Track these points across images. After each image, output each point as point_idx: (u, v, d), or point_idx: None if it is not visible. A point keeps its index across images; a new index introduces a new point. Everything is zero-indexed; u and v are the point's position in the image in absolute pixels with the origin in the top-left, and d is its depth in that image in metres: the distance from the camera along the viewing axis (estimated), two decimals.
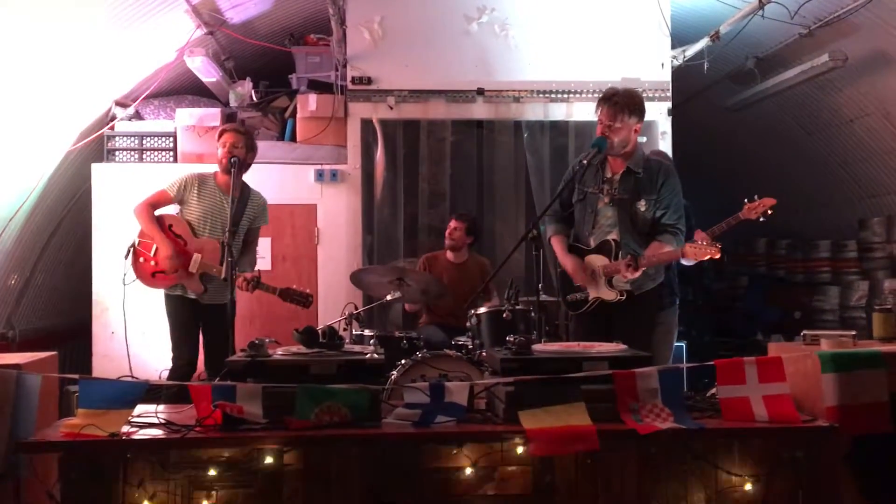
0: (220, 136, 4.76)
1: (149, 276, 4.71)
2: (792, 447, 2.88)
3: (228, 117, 6.44)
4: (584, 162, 4.00)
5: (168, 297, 4.75)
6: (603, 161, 4.12)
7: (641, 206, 4.01)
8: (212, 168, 4.90)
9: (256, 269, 4.76)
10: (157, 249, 4.66)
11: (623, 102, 4.01)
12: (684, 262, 4.75)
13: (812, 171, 7.91)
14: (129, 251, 4.72)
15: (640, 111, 4.06)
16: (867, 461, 2.93)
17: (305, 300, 4.64)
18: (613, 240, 4.03)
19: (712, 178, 9.46)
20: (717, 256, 3.81)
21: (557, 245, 4.23)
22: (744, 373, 2.93)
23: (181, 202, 4.76)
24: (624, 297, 4.00)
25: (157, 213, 4.75)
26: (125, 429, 2.82)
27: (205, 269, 4.60)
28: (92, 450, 2.75)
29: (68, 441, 2.75)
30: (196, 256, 4.62)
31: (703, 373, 3.27)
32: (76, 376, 2.96)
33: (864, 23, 5.76)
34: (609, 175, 4.11)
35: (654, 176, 4.04)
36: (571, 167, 4.34)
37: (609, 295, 4.03)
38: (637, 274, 3.89)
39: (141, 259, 4.71)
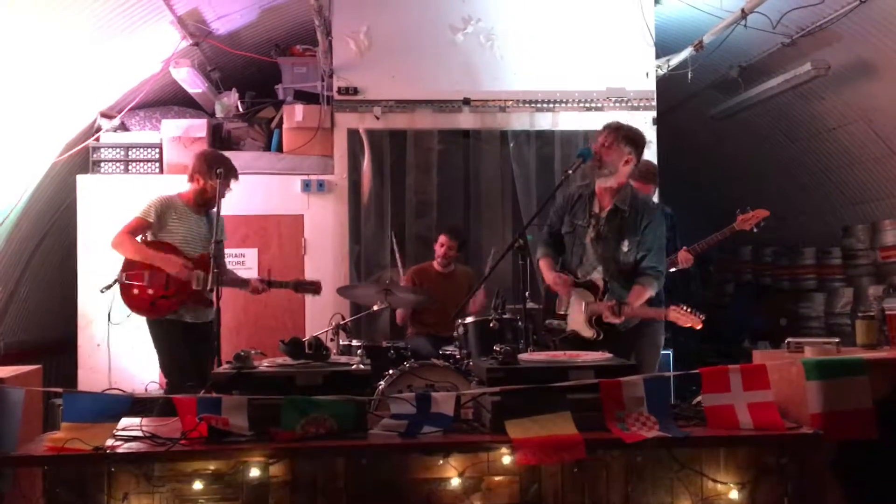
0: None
1: (147, 305, 4.52)
2: (777, 454, 2.89)
3: (214, 128, 6.43)
4: (570, 172, 4.01)
5: (160, 323, 4.56)
6: (591, 195, 4.14)
7: (624, 246, 4.03)
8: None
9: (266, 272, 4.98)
10: (152, 273, 4.47)
11: (624, 133, 4.06)
12: (680, 266, 4.81)
13: (796, 178, 7.97)
14: (114, 287, 4.51)
15: (636, 145, 4.08)
16: (852, 468, 2.95)
17: (316, 288, 4.82)
18: (603, 280, 4.03)
19: (697, 186, 9.52)
20: (699, 327, 3.82)
21: (544, 266, 4.27)
22: (728, 381, 2.95)
23: (161, 226, 4.61)
24: (601, 338, 3.96)
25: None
26: (109, 442, 2.81)
27: (207, 285, 4.45)
28: (76, 464, 2.74)
29: (52, 455, 2.73)
30: (198, 273, 4.51)
31: (690, 380, 3.28)
32: (60, 390, 2.94)
33: (846, 32, 5.82)
34: (597, 210, 4.13)
35: (639, 216, 4.06)
36: (565, 197, 4.29)
37: (587, 333, 4.01)
38: (620, 320, 3.89)
39: (135, 291, 4.51)
